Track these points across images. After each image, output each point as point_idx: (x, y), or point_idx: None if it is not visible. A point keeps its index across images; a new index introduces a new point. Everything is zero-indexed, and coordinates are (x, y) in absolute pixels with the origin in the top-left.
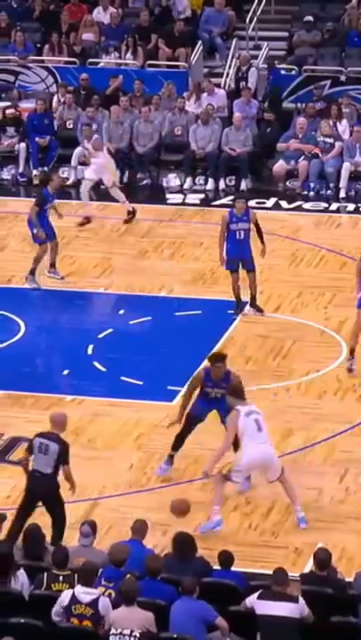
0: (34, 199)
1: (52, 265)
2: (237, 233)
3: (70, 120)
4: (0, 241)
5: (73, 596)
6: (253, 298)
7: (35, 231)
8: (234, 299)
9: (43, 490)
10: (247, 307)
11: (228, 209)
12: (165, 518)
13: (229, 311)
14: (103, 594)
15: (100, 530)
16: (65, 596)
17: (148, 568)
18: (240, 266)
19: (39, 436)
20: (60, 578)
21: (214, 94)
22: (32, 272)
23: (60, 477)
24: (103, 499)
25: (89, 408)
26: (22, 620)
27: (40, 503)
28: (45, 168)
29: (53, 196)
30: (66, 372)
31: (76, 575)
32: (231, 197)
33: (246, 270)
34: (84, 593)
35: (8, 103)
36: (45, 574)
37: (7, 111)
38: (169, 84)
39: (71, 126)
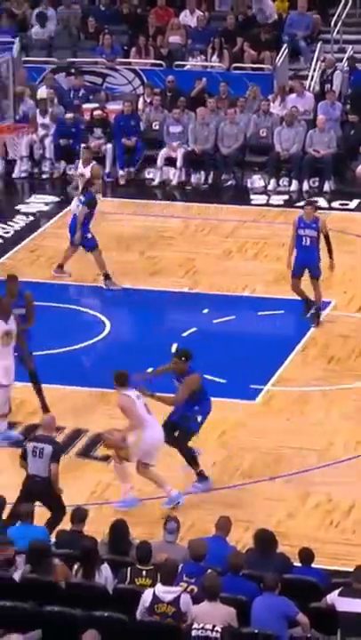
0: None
1: (61, 266)
2: (304, 239)
3: (156, 122)
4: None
5: (154, 595)
6: (316, 306)
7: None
8: (301, 299)
9: (40, 492)
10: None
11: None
12: (247, 515)
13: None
14: (185, 590)
15: (183, 526)
16: (147, 596)
17: (230, 564)
18: (305, 272)
19: (32, 441)
20: (144, 572)
21: (303, 96)
22: (106, 276)
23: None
24: (186, 495)
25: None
26: (106, 614)
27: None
28: (132, 169)
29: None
30: (150, 369)
31: (158, 570)
32: (314, 198)
33: (310, 276)
34: (165, 592)
35: (96, 105)
36: (129, 569)
37: (95, 113)
38: (254, 87)
39: (157, 128)
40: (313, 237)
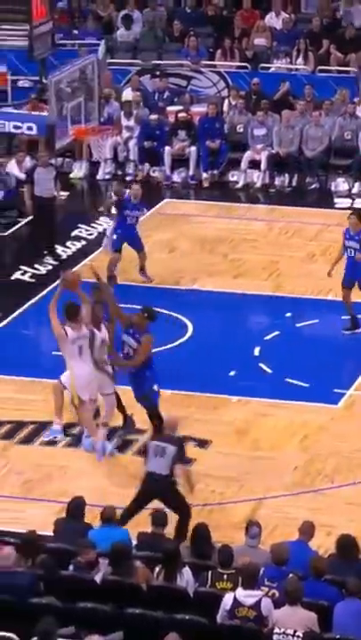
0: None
1: (142, 269)
2: (348, 250)
3: (240, 124)
4: (170, 243)
5: (235, 599)
6: None
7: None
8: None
9: (160, 491)
10: None
11: None
12: (329, 520)
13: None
14: (266, 594)
15: (265, 530)
16: (227, 600)
17: (312, 569)
18: (355, 285)
19: (155, 440)
20: (225, 576)
21: None
22: (142, 268)
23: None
24: (268, 499)
25: (254, 409)
26: (187, 617)
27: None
28: (215, 171)
29: (135, 205)
30: (232, 372)
31: (239, 574)
32: None
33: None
34: (246, 596)
35: (180, 107)
36: (210, 572)
37: (179, 115)
38: (343, 91)
39: (241, 130)
40: (356, 250)
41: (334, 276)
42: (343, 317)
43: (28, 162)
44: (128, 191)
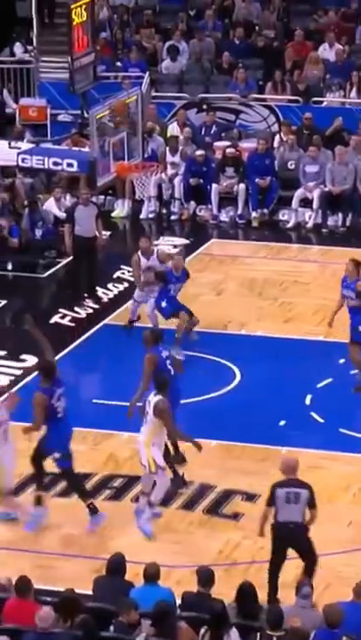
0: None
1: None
2: (346, 301)
3: (292, 161)
4: (217, 285)
5: None
6: None
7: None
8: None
9: (296, 539)
10: None
11: None
12: None
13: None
14: None
15: (317, 589)
16: None
17: None
18: None
19: (282, 486)
20: (274, 639)
21: None
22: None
23: None
24: (321, 556)
25: (306, 460)
26: None
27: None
28: (265, 210)
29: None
30: (282, 422)
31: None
32: None
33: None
34: None
35: (228, 143)
36: (258, 635)
37: (227, 151)
38: None
39: (293, 167)
40: (350, 298)
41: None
42: (353, 373)
43: (67, 200)
44: (170, 263)
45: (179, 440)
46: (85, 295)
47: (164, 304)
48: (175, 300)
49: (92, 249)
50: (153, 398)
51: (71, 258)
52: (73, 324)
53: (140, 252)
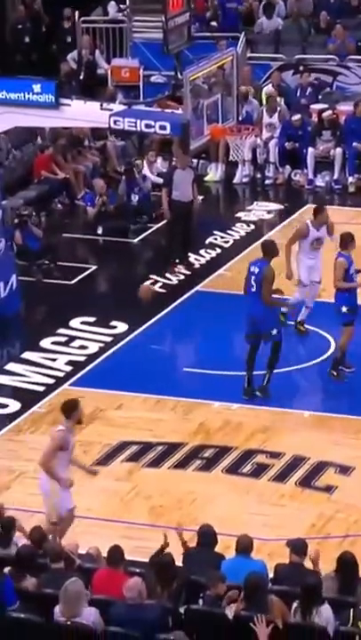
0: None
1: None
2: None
3: None
4: None
5: None
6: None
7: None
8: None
9: None
10: None
11: None
12: None
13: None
14: None
15: None
16: None
17: None
18: None
19: None
20: None
21: None
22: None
23: None
24: None
25: None
26: None
27: None
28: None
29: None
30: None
31: None
32: None
33: None
34: None
35: (325, 105)
36: (352, 610)
37: (324, 114)
38: None
39: None
40: None
41: None
42: None
43: (159, 163)
44: None
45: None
46: (176, 261)
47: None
48: None
49: (190, 213)
50: None
51: (164, 222)
52: (164, 291)
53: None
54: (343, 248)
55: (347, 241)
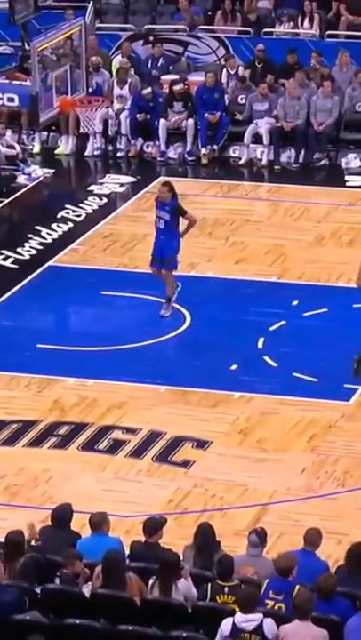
0: None
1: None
2: None
3: (242, 95)
4: None
5: (234, 625)
6: None
7: None
8: None
9: None
10: None
11: None
12: (340, 527)
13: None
14: (273, 607)
15: (270, 538)
16: (225, 627)
17: (319, 589)
18: None
19: None
20: (226, 589)
21: None
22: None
23: None
24: (273, 504)
25: (258, 406)
26: (185, 634)
27: None
28: (215, 146)
29: None
30: (234, 366)
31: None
32: None
33: None
34: (246, 621)
35: (176, 76)
36: (209, 585)
37: (175, 85)
38: (343, 54)
39: (243, 102)
40: None
41: (347, 260)
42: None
43: (8, 136)
44: None
45: None
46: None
47: None
48: None
49: None
50: None
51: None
52: (15, 266)
53: None
54: None
55: None
